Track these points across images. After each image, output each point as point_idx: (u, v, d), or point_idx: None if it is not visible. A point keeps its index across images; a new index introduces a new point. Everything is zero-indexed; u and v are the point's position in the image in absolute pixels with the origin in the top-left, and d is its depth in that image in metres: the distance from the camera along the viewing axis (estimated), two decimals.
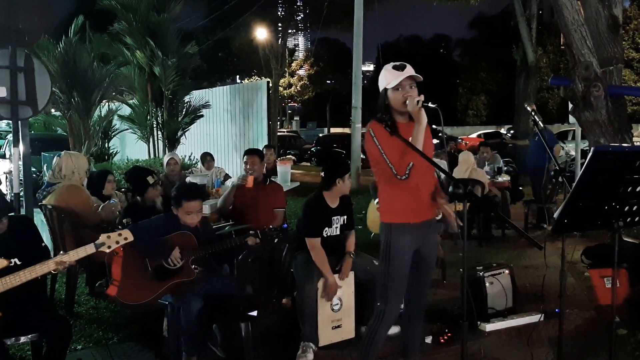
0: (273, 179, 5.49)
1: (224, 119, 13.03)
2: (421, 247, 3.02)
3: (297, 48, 55.00)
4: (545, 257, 4.03)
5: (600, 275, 4.60)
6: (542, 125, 3.68)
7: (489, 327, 4.15)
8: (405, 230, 2.95)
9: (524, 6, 14.58)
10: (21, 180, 5.44)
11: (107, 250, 2.78)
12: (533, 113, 3.63)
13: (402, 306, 3.18)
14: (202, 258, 3.55)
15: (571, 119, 8.26)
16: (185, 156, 10.77)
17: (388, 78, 2.90)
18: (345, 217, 4.07)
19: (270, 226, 3.68)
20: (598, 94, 6.43)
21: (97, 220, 4.47)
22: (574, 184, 2.48)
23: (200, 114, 12.17)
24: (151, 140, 11.79)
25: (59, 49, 10.05)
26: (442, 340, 3.91)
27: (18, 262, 2.85)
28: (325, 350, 3.80)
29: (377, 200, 5.92)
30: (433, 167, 2.85)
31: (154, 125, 11.71)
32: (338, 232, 4.04)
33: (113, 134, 12.28)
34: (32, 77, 5.17)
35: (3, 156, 11.45)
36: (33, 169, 6.38)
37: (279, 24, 28.70)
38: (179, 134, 11.85)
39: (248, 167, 4.72)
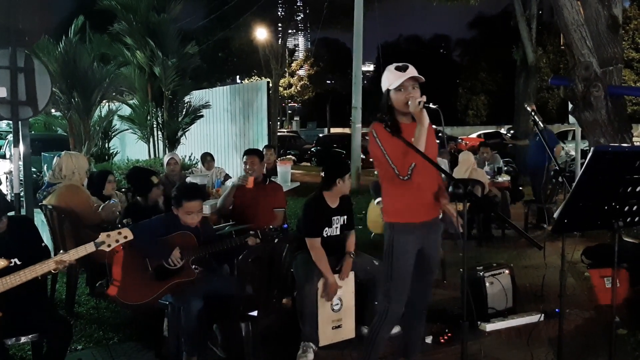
0: (273, 179, 5.49)
1: (224, 119, 13.03)
2: (424, 247, 3.03)
3: (297, 48, 55.13)
4: (545, 257, 4.03)
5: (600, 275, 4.61)
6: (542, 125, 3.67)
7: (489, 327, 4.15)
8: (408, 230, 2.96)
9: (524, 6, 14.56)
10: (21, 180, 5.43)
11: (107, 249, 2.78)
12: (533, 113, 3.63)
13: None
14: (202, 258, 3.55)
15: (571, 119, 8.25)
16: (185, 156, 10.77)
17: (390, 79, 2.91)
18: (345, 217, 4.07)
19: (270, 226, 3.69)
20: (598, 94, 6.42)
21: (97, 221, 4.48)
22: (574, 184, 2.48)
23: (200, 114, 12.17)
24: (151, 140, 11.79)
25: (59, 49, 10.06)
26: (442, 340, 3.92)
27: (18, 262, 2.85)
28: (326, 350, 3.80)
29: (377, 200, 5.94)
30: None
31: (154, 126, 11.71)
32: (338, 232, 4.03)
33: (113, 134, 12.30)
34: (32, 77, 5.16)
35: (3, 156, 11.44)
36: (33, 169, 6.37)
37: (279, 24, 28.73)
38: (179, 134, 11.85)
39: (248, 167, 4.71)
